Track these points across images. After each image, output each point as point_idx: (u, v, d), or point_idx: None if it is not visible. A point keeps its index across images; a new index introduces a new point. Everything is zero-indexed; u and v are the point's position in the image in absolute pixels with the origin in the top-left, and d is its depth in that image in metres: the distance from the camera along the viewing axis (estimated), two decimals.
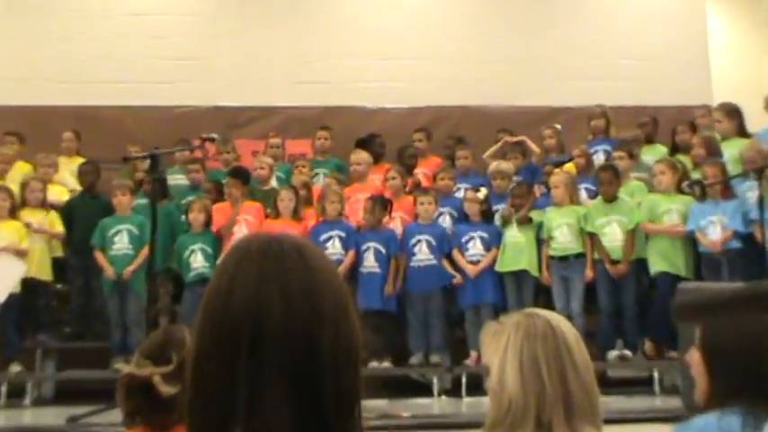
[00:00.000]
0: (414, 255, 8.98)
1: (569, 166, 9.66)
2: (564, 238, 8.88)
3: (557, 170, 9.49)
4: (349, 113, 11.92)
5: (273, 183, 10.19)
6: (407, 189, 9.85)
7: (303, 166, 10.21)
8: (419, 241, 8.99)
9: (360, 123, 11.69)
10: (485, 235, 9.03)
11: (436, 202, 9.22)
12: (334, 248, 8.88)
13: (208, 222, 9.14)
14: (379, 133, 11.03)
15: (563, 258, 8.85)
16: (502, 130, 10.82)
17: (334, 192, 9.17)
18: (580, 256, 8.84)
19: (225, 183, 9.43)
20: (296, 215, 9.12)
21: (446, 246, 9.06)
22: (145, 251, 8.74)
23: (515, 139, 10.48)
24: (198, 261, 8.95)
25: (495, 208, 9.30)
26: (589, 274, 8.77)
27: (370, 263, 8.96)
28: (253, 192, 9.54)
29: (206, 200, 9.38)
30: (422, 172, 10.50)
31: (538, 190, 9.56)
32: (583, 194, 9.39)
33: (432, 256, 8.95)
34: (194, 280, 8.86)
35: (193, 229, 9.12)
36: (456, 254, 9.04)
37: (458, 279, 8.91)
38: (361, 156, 10.21)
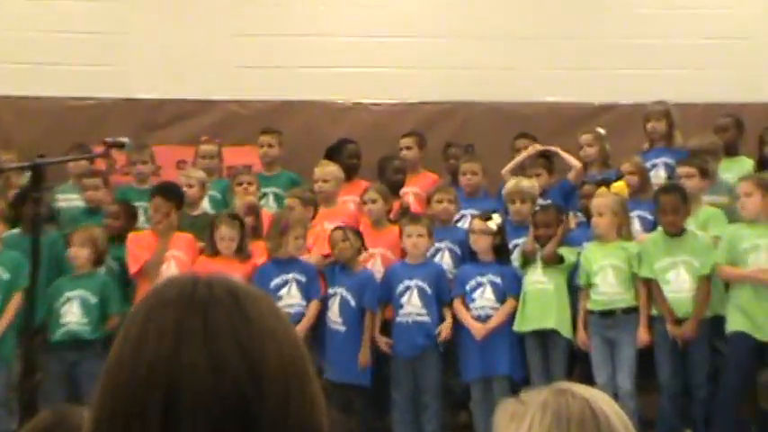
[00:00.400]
0: (400, 307, 9.02)
1: (618, 186, 9.58)
2: (609, 286, 8.88)
3: (600, 191, 9.41)
4: (312, 111, 11.92)
5: (206, 206, 10.24)
6: (392, 216, 9.85)
7: (250, 184, 10.26)
8: (408, 288, 9.02)
9: (327, 125, 11.74)
10: (497, 280, 9.03)
11: (431, 234, 9.21)
12: (290, 297, 8.99)
13: (97, 260, 9.16)
14: (354, 139, 11.07)
15: (607, 314, 8.85)
16: (522, 135, 10.84)
17: (298, 221, 9.23)
18: (631, 310, 8.83)
19: (150, 204, 9.48)
20: (241, 253, 9.21)
21: (445, 294, 9.09)
22: (16, 302, 8.76)
23: (545, 149, 10.53)
24: (72, 314, 8.94)
25: (513, 243, 9.29)
26: (644, 336, 8.76)
27: (334, 316, 9.05)
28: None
29: (94, 229, 9.35)
30: (412, 192, 10.56)
31: (573, 218, 9.59)
32: (636, 225, 9.37)
33: (424, 310, 8.99)
34: (61, 340, 8.85)
35: (75, 269, 9.14)
36: (458, 306, 9.04)
37: (445, 332, 8.95)
38: (329, 170, 10.24)
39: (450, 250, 9.50)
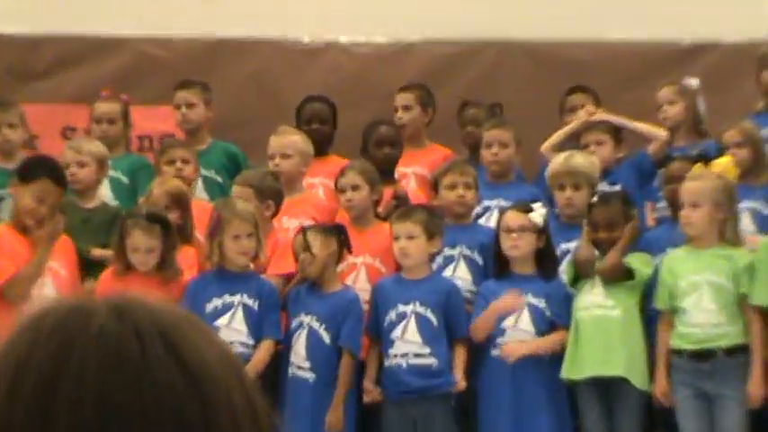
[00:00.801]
0: (391, 342, 9.14)
1: (720, 165, 9.71)
2: (705, 314, 8.98)
3: (693, 171, 9.47)
4: (264, 54, 12.23)
5: (105, 194, 10.43)
6: (382, 209, 10.03)
7: (185, 162, 10.38)
8: (402, 316, 9.16)
9: (286, 73, 12.06)
10: (540, 303, 9.20)
11: (433, 235, 9.29)
12: (232, 331, 9.11)
13: None
14: (328, 95, 11.20)
15: (703, 355, 8.94)
16: (577, 89, 11.08)
17: (236, 214, 9.22)
18: (738, 350, 8.91)
19: (21, 190, 9.47)
20: (165, 269, 9.26)
21: (460, 323, 9.22)
22: None
23: (603, 117, 10.64)
24: None
25: (562, 247, 9.45)
26: (758, 389, 8.81)
27: (299, 358, 9.14)
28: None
29: None
30: (412, 173, 10.83)
31: (650, 211, 9.98)
32: (746, 223, 9.50)
33: (427, 348, 9.09)
34: None
35: None
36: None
37: (460, 385, 9.09)
38: (291, 140, 10.40)
39: (468, 259, 9.65)
